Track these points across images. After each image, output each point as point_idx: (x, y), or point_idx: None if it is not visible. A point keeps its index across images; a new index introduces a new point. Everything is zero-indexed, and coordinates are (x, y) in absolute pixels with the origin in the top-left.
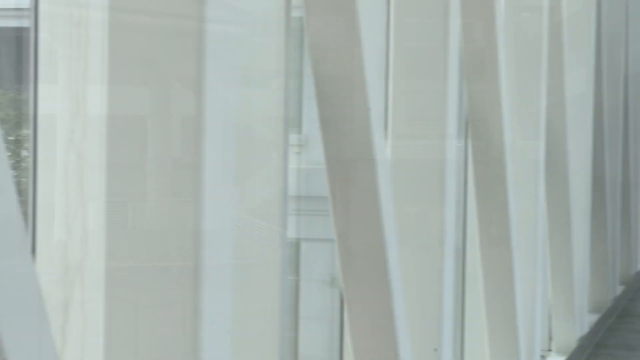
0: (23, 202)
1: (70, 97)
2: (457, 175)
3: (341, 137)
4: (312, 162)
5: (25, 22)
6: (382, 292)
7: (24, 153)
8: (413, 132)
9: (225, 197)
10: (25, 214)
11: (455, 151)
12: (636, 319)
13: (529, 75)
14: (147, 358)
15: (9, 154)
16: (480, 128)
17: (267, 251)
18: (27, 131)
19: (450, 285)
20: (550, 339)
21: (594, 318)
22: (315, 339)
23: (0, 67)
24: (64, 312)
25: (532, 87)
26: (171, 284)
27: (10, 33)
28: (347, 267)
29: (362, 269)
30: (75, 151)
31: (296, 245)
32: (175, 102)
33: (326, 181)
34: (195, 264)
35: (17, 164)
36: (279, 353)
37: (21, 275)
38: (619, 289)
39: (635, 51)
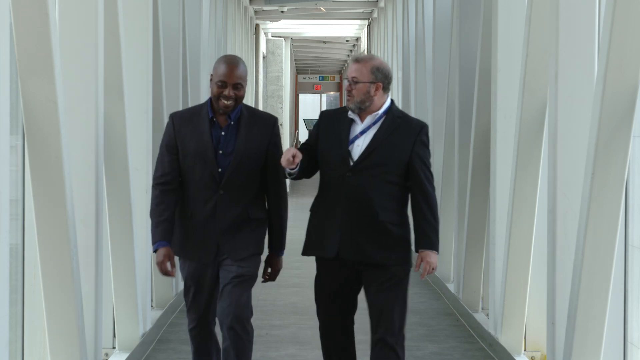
0: None
1: None
2: (15, 175)
3: None
4: None
5: None
6: None
7: None
8: None
9: None
10: None
11: (10, 151)
12: None
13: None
14: None
15: None
16: (35, 128)
17: None
18: None
19: (5, 289)
20: (114, 337)
21: (157, 314)
22: None
23: None
24: None
25: (89, 83)
26: None
27: None
28: None
29: None
30: None
31: None
32: None
33: None
34: None
35: None
36: None
37: None
38: (181, 285)
39: (191, 45)
